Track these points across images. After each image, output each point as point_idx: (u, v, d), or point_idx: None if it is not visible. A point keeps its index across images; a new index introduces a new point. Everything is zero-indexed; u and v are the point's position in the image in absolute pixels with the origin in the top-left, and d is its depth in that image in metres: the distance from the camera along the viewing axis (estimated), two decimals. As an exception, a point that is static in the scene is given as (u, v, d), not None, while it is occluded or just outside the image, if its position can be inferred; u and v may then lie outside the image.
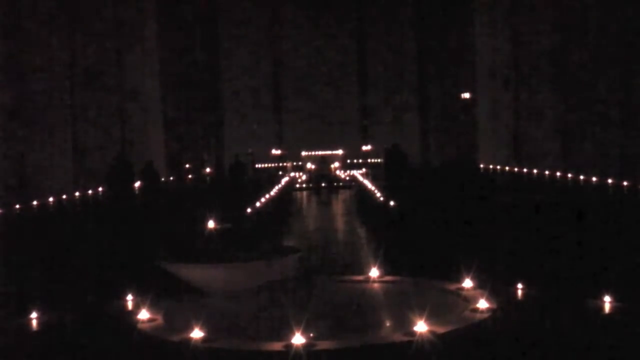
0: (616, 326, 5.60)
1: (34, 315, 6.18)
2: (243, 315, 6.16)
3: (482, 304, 5.65)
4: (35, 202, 16.37)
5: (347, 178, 26.64)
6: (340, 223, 16.38)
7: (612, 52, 19.76)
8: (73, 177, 20.58)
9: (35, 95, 19.14)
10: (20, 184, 18.09)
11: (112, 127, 22.97)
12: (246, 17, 31.62)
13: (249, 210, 13.49)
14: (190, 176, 26.91)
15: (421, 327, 4.99)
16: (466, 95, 29.42)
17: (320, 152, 29.14)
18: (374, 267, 7.20)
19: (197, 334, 5.07)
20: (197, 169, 28.12)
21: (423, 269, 7.66)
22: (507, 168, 24.17)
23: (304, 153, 30.02)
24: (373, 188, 16.87)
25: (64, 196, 18.02)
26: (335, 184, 25.54)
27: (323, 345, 4.93)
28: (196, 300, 6.44)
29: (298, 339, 4.84)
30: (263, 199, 15.63)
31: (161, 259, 7.12)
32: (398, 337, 5.11)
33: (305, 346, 4.79)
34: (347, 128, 31.92)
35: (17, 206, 15.62)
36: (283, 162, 30.77)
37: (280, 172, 28.29)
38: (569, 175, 19.16)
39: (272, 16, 32.05)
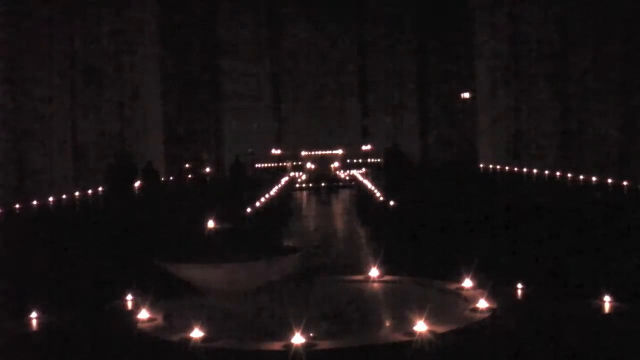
0: (616, 326, 5.59)
1: (34, 315, 6.18)
2: (243, 315, 6.16)
3: (482, 304, 5.65)
4: (35, 202, 16.37)
5: (347, 178, 26.62)
6: (340, 223, 16.37)
7: (612, 52, 19.77)
8: (73, 177, 20.59)
9: (35, 96, 19.15)
10: (20, 184, 18.10)
11: (112, 127, 22.97)
12: (246, 17, 31.60)
13: (249, 210, 13.48)
14: (190, 176, 26.90)
15: (421, 327, 4.99)
16: (466, 95, 29.42)
17: (320, 152, 29.12)
18: (374, 267, 7.20)
19: (197, 334, 5.07)
20: (197, 169, 28.11)
21: (423, 269, 7.66)
22: (507, 168, 24.17)
23: (304, 153, 29.99)
24: (373, 188, 16.86)
25: (64, 196, 18.02)
26: (335, 184, 25.53)
27: (323, 345, 4.94)
28: (196, 300, 6.44)
29: (298, 339, 4.84)
30: (263, 199, 15.63)
31: (161, 259, 7.11)
32: (398, 337, 5.11)
33: (305, 346, 4.79)
34: (347, 128, 31.91)
35: (17, 206, 15.62)
36: (283, 162, 30.74)
37: (280, 172, 28.27)
38: (569, 175, 19.16)
39: (272, 16, 32.04)
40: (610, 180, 16.72)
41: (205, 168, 28.85)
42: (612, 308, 5.86)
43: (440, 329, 5.08)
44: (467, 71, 28.75)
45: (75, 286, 8.18)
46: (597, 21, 20.28)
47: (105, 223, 12.75)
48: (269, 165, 30.65)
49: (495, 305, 5.67)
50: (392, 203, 13.08)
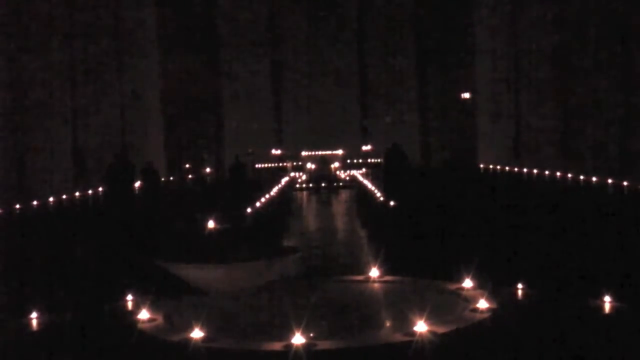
0: (616, 326, 5.59)
1: (34, 315, 6.18)
2: (243, 315, 6.16)
3: (482, 304, 5.64)
4: (35, 202, 16.37)
5: (347, 178, 26.63)
6: (340, 223, 16.37)
7: (612, 51, 19.76)
8: (73, 177, 20.59)
9: (35, 96, 19.15)
10: (20, 184, 18.10)
11: (112, 127, 22.98)
12: (246, 17, 31.60)
13: (249, 210, 13.48)
14: (190, 176, 26.91)
15: (421, 327, 4.99)
16: (466, 95, 29.42)
17: (320, 152, 29.12)
18: (374, 267, 7.20)
19: (197, 334, 5.07)
20: (197, 169, 28.12)
21: (423, 269, 7.65)
22: (507, 168, 24.16)
23: (304, 153, 29.99)
24: (373, 188, 16.86)
25: (64, 196, 18.03)
26: (335, 184, 25.53)
27: (323, 345, 4.93)
28: (196, 300, 6.44)
29: (298, 339, 4.84)
30: (263, 199, 15.63)
31: (161, 259, 7.11)
32: (398, 337, 5.10)
33: (305, 346, 4.79)
34: (347, 128, 31.90)
35: (17, 206, 15.62)
36: (283, 162, 30.74)
37: (280, 172, 28.28)
38: (569, 175, 19.16)
39: (272, 16, 32.04)
40: (610, 180, 16.72)
41: (205, 168, 28.87)
42: (612, 308, 5.85)
43: (440, 329, 5.08)
44: (467, 71, 28.75)
45: (75, 286, 8.19)
46: (597, 21, 20.28)
47: (105, 223, 12.76)
48: (269, 165, 30.65)
49: (495, 305, 5.66)
50: (392, 203, 13.08)
